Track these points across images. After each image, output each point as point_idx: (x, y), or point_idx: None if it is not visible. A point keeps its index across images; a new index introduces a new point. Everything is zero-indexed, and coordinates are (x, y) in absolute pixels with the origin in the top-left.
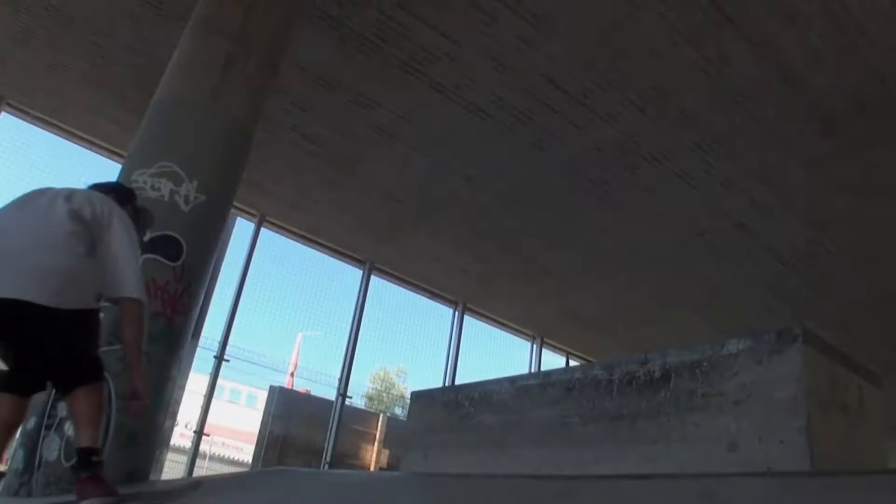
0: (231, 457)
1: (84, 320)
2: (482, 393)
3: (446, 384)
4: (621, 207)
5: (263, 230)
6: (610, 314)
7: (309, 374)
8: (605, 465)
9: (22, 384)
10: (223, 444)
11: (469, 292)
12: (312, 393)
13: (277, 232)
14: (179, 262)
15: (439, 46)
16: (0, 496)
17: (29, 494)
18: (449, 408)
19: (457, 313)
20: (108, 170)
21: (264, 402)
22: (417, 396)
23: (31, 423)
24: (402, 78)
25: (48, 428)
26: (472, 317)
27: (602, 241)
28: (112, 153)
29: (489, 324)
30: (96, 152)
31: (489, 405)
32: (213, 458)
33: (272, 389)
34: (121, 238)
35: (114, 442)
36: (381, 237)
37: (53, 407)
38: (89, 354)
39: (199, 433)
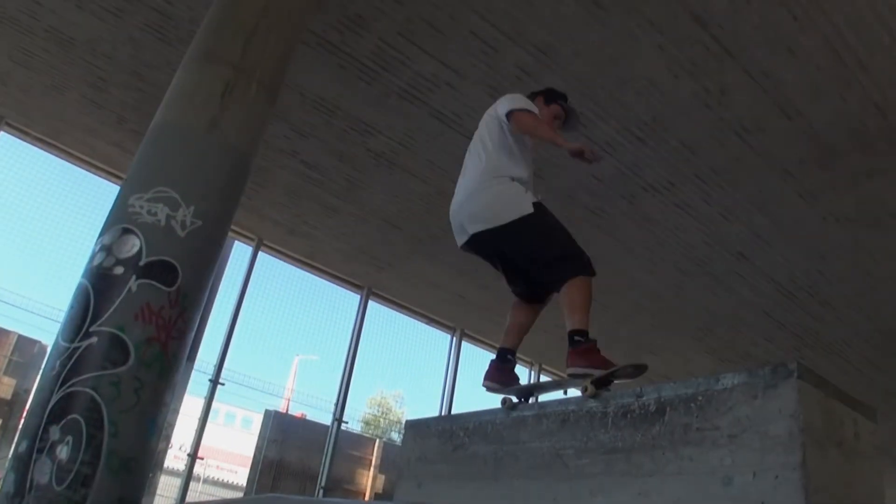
0: (225, 480)
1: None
2: (477, 423)
3: (443, 410)
4: (620, 236)
5: (261, 254)
6: (609, 342)
7: (305, 399)
8: (599, 499)
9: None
10: (217, 467)
11: (467, 319)
12: (308, 417)
13: (275, 256)
14: (175, 288)
15: (439, 75)
16: None
17: None
18: (443, 437)
19: (454, 339)
20: (107, 191)
21: (259, 425)
22: (412, 425)
23: (22, 446)
24: (401, 105)
25: (40, 451)
26: (470, 342)
27: (600, 269)
28: (111, 175)
29: (487, 350)
30: (95, 174)
31: (484, 436)
32: (206, 481)
33: (267, 413)
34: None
35: (105, 468)
36: (380, 264)
37: (45, 430)
38: (552, 254)
39: (193, 456)
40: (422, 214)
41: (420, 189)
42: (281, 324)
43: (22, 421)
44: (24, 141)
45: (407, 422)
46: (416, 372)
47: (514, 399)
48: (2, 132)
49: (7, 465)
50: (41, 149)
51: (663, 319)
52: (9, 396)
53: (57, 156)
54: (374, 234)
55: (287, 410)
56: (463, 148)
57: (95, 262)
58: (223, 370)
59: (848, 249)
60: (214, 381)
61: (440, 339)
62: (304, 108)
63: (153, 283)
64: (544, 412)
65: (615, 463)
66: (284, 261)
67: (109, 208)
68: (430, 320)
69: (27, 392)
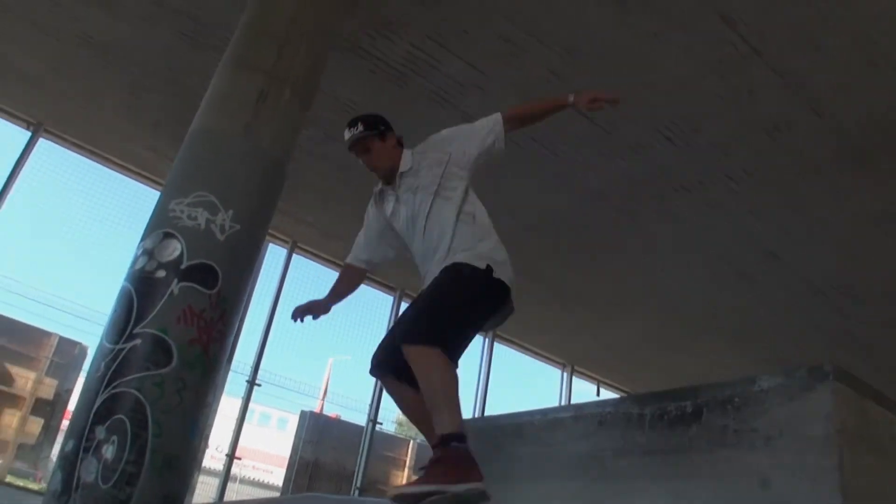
0: (261, 480)
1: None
2: (513, 424)
3: (476, 411)
4: (650, 237)
5: (295, 256)
6: (642, 344)
7: (340, 399)
8: (637, 501)
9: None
10: (253, 467)
11: None
12: (342, 418)
13: (309, 258)
14: (215, 290)
15: (469, 78)
16: None
17: None
18: (480, 438)
19: (486, 341)
20: (145, 195)
21: (294, 426)
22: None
23: (69, 445)
24: (432, 108)
25: (86, 451)
26: (502, 343)
27: (632, 270)
28: (148, 179)
29: (519, 351)
30: (132, 178)
31: (521, 437)
32: (243, 481)
33: (303, 414)
34: None
35: (150, 467)
36: (411, 265)
37: (91, 430)
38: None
39: (231, 456)
40: None
41: None
42: (315, 325)
43: (66, 421)
44: (63, 146)
45: None
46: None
47: None
48: (41, 138)
49: (54, 464)
50: (79, 154)
51: (695, 321)
52: (50, 397)
53: (95, 161)
54: None
55: (322, 411)
56: None
57: (138, 266)
58: (259, 371)
59: (880, 248)
60: (251, 382)
61: (473, 343)
62: (336, 111)
63: (194, 286)
64: (581, 413)
65: (652, 465)
66: (318, 263)
67: (149, 212)
68: None
69: (68, 392)
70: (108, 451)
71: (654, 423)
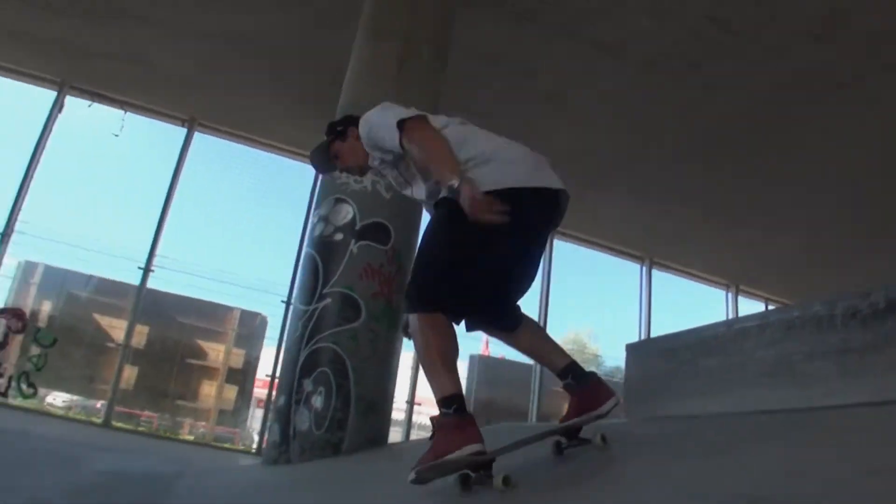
0: None
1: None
2: (698, 338)
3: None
4: (808, 143)
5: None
6: (806, 256)
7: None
8: (833, 400)
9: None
10: (427, 413)
11: (656, 247)
12: (507, 358)
13: None
14: (389, 246)
15: (599, 5)
16: (263, 465)
17: (288, 462)
18: (667, 356)
19: (644, 268)
20: (299, 171)
21: (464, 370)
22: (634, 348)
23: (280, 400)
24: (564, 42)
25: (297, 403)
26: (661, 270)
27: (793, 180)
28: (301, 156)
29: (680, 276)
30: (286, 156)
31: (707, 350)
32: (422, 427)
33: (472, 358)
34: None
35: (355, 412)
36: None
37: (299, 384)
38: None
39: (411, 403)
40: (599, 148)
41: (593, 123)
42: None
43: (256, 389)
44: (217, 137)
45: (628, 345)
46: (608, 307)
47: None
48: (196, 132)
49: (270, 418)
50: (233, 141)
51: (864, 226)
52: (240, 365)
53: (248, 145)
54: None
55: (488, 354)
56: (632, 75)
57: (317, 233)
58: None
59: None
60: None
61: (630, 272)
62: (469, 59)
63: (370, 243)
64: (767, 321)
65: (847, 364)
66: None
67: (303, 186)
68: (619, 252)
69: (256, 359)
70: (317, 401)
71: (847, 323)
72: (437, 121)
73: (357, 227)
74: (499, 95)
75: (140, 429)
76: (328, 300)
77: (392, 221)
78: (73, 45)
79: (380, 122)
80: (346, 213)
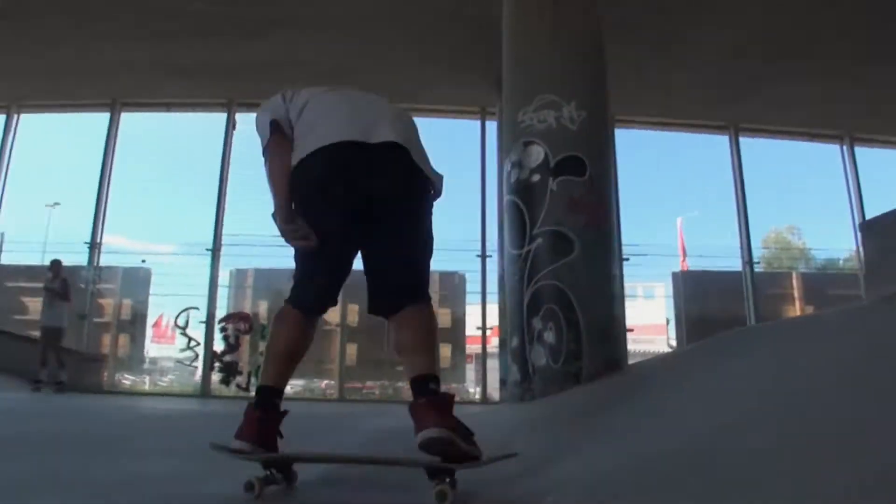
0: (644, 350)
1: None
2: None
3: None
4: None
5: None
6: None
7: (701, 252)
8: None
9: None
10: (633, 340)
11: (856, 122)
12: (709, 270)
13: (629, 127)
14: (586, 176)
15: None
16: (507, 403)
17: (532, 398)
18: None
19: (845, 148)
20: (461, 129)
21: (661, 292)
22: (870, 225)
23: (514, 342)
24: None
25: (530, 342)
26: (865, 146)
27: None
28: (471, 114)
29: (890, 148)
30: (445, 117)
31: None
32: (632, 354)
33: (675, 275)
34: None
35: (587, 341)
36: (741, 94)
37: (529, 324)
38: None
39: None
40: (777, 32)
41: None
42: (657, 188)
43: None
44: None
45: (863, 224)
46: (806, 199)
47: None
48: None
49: (507, 359)
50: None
51: None
52: (449, 324)
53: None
54: (723, 67)
55: (687, 269)
56: None
57: (513, 179)
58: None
59: None
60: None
61: (829, 157)
62: None
63: (568, 178)
64: None
65: None
66: (639, 128)
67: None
68: (813, 136)
69: (463, 316)
70: (549, 337)
71: None
72: (294, 106)
73: (551, 165)
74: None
75: (371, 398)
76: (539, 240)
77: (584, 152)
78: (233, 63)
79: (259, 127)
80: (538, 154)
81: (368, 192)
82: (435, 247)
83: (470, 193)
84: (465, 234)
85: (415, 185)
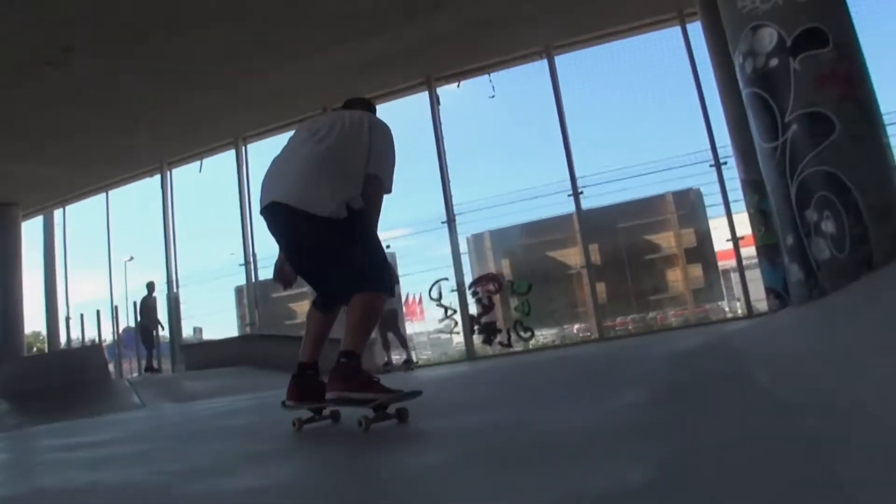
0: None
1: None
2: None
3: None
4: None
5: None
6: None
7: None
8: None
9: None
10: None
11: None
12: None
13: None
14: (830, 47)
15: None
16: (796, 307)
17: (822, 294)
18: None
19: None
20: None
21: None
22: None
23: (788, 240)
24: None
25: (807, 236)
26: None
27: None
28: (667, 21)
29: None
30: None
31: None
32: None
33: None
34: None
35: (871, 222)
36: None
37: (802, 217)
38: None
39: None
40: None
41: None
42: None
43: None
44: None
45: None
46: None
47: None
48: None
49: (785, 261)
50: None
51: None
52: (694, 243)
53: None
54: None
55: None
56: None
57: (749, 70)
58: None
59: None
60: None
61: None
62: None
63: (810, 53)
64: None
65: None
66: None
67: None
68: None
69: (706, 231)
70: (828, 226)
71: None
72: None
73: (788, 44)
74: None
75: (630, 331)
76: (794, 127)
77: (821, 21)
78: (432, 44)
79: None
80: (770, 36)
81: (286, 240)
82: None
83: (684, 104)
84: (690, 146)
85: (309, 225)
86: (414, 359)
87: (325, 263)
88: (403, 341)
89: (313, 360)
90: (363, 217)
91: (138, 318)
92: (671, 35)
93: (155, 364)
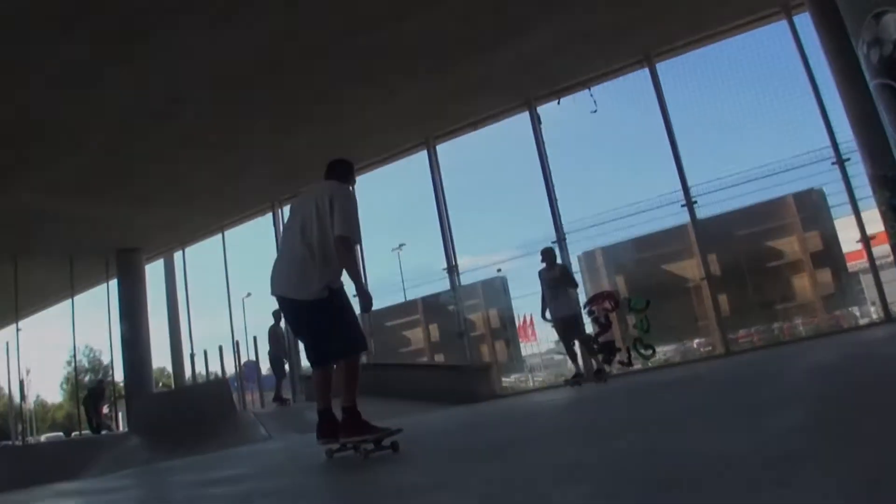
0: None
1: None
2: None
3: None
4: None
5: None
6: None
7: None
8: None
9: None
10: None
11: None
12: None
13: None
14: None
15: None
16: None
17: None
18: None
19: None
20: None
21: None
22: None
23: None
24: None
25: None
26: None
27: None
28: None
29: None
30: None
31: None
32: None
33: None
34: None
35: None
36: None
37: None
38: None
39: None
40: None
41: None
42: None
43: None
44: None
45: None
46: None
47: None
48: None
49: None
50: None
51: None
52: (820, 247)
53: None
54: None
55: None
56: None
57: (875, 59)
58: None
59: None
60: None
61: None
62: None
63: None
64: None
65: None
66: None
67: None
68: None
69: (833, 233)
70: None
71: None
72: None
73: None
74: None
75: (756, 343)
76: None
77: None
78: (530, 63)
79: (353, 214)
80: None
81: (289, 317)
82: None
83: (796, 102)
84: (807, 145)
85: (300, 307)
86: (609, 367)
87: (313, 333)
88: (591, 349)
89: (326, 406)
90: (339, 296)
91: (268, 348)
92: (776, 31)
93: (284, 394)
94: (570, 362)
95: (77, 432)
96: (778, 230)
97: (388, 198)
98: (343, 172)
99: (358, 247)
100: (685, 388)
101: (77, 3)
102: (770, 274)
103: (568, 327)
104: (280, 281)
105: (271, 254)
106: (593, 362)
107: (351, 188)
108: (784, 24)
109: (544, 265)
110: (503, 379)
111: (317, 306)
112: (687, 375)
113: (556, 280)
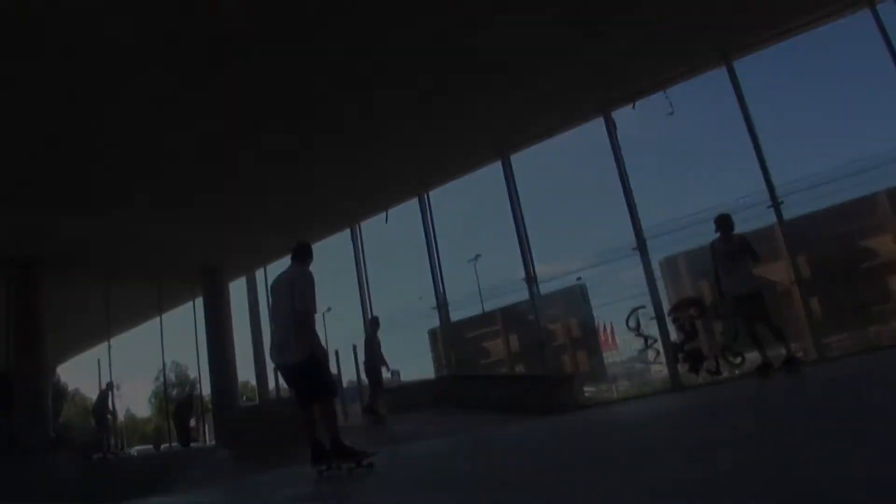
0: None
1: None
2: None
3: None
4: None
5: None
6: None
7: None
8: None
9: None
10: None
11: None
12: None
13: None
14: None
15: None
16: None
17: None
18: None
19: None
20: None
21: None
22: None
23: None
24: None
25: None
26: None
27: None
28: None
29: None
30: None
31: None
32: None
33: None
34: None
35: None
36: None
37: None
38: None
39: None
40: None
41: None
42: None
43: None
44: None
45: None
46: None
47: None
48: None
49: None
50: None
51: None
52: None
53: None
54: None
55: None
56: None
57: None
58: None
59: None
60: None
61: None
62: None
63: None
64: None
65: None
66: None
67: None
68: None
69: None
70: None
71: None
72: None
73: None
74: None
75: (851, 348)
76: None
77: None
78: (604, 67)
79: (310, 291)
80: None
81: (285, 374)
82: None
83: (883, 94)
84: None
85: (291, 367)
86: (800, 354)
87: (299, 384)
88: (779, 332)
89: (315, 438)
90: (317, 356)
91: (363, 358)
92: (858, 21)
93: (379, 407)
94: (756, 350)
95: (166, 444)
96: (871, 229)
97: (463, 208)
98: (302, 255)
99: (315, 315)
100: (792, 397)
101: (167, 35)
102: (864, 275)
103: (749, 306)
104: (274, 354)
105: (350, 270)
106: (783, 350)
107: (308, 267)
108: (867, 13)
109: (718, 235)
110: (585, 389)
111: (301, 364)
112: (790, 384)
113: (733, 253)
